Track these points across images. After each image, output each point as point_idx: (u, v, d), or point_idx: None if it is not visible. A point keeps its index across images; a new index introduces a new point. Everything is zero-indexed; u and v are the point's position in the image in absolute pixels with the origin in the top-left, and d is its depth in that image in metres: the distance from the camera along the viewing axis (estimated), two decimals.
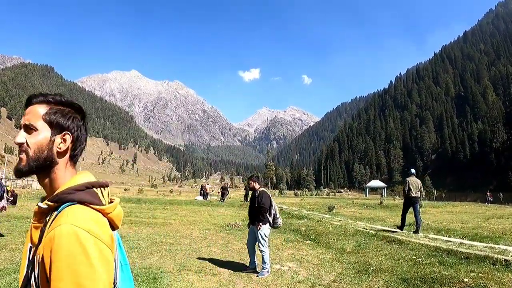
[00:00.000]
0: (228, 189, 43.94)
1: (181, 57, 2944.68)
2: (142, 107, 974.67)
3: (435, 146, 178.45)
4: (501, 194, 57.21)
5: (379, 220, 18.39)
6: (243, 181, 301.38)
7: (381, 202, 37.81)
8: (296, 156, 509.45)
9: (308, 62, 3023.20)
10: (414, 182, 13.23)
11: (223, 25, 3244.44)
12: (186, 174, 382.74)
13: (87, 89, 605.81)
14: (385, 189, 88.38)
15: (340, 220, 17.11)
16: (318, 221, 16.16)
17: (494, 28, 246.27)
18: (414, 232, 12.46)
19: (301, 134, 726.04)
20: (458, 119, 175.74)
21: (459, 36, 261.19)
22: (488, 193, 51.64)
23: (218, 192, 53.48)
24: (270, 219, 7.87)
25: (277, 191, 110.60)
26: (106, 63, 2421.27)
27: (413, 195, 12.91)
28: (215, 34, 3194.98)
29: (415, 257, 7.94)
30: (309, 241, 11.38)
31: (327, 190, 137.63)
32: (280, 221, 8.05)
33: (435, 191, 38.29)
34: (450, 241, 10.01)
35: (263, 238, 7.73)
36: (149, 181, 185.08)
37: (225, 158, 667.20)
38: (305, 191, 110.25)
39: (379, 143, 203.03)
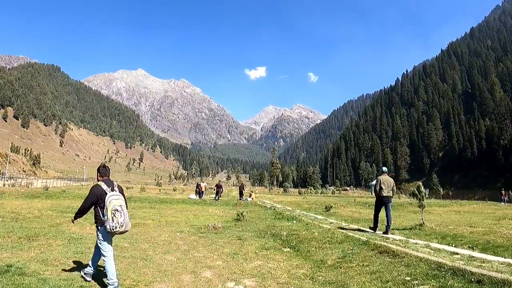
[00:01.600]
0: (223, 187, 42.63)
1: (188, 56, 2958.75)
2: (148, 105, 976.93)
3: (442, 143, 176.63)
4: None
5: (379, 221, 16.55)
6: (249, 179, 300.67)
7: None
8: (302, 154, 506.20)
9: (314, 60, 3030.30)
10: (386, 180, 12.77)
11: (229, 23, 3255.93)
12: (193, 172, 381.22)
13: (93, 88, 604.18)
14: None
15: (331, 223, 15.28)
16: (306, 224, 14.33)
17: (501, 24, 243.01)
18: (384, 233, 12.00)
19: (307, 132, 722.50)
20: (465, 116, 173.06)
21: (465, 32, 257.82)
22: (503, 192, 48.94)
23: (213, 189, 52.02)
24: (108, 221, 6.08)
25: (281, 189, 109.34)
26: (112, 62, 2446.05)
27: (385, 195, 12.58)
28: (221, 33, 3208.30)
29: (409, 279, 5.88)
30: (288, 249, 9.62)
31: (333, 188, 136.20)
32: (116, 225, 6.11)
33: (442, 189, 36.47)
34: (457, 254, 7.97)
35: (100, 243, 6.32)
36: (155, 180, 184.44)
37: (231, 156, 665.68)
38: (310, 189, 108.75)
39: (385, 141, 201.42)
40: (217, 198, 34.66)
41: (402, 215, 23.25)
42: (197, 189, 39.60)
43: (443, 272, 6.00)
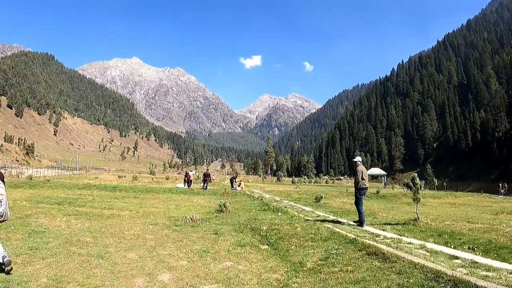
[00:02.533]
0: (211, 175, 41.58)
1: (183, 44, 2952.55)
2: (143, 94, 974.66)
3: (437, 134, 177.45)
4: None
5: (370, 214, 15.32)
6: (244, 167, 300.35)
7: (377, 192, 35.27)
8: (297, 143, 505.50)
9: (310, 49, 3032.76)
10: (365, 170, 12.53)
11: (225, 12, 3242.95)
12: (187, 161, 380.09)
13: (88, 77, 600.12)
14: (385, 177, 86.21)
15: (318, 216, 14.37)
16: (291, 217, 13.29)
17: (498, 16, 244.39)
18: (358, 225, 11.63)
19: (302, 121, 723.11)
20: (460, 107, 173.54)
21: (462, 24, 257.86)
22: (500, 184, 47.71)
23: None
24: None
25: (275, 178, 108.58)
26: (107, 50, 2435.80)
27: (366, 186, 12.38)
28: (217, 21, 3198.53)
29: None
30: (265, 246, 8.53)
31: (326, 177, 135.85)
32: None
33: (436, 180, 35.82)
34: (457, 258, 6.74)
35: None
36: (150, 168, 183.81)
37: (226, 145, 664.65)
38: (304, 178, 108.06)
39: (380, 131, 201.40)
40: (205, 187, 33.62)
41: (395, 207, 22.29)
42: (186, 178, 38.60)
43: (442, 285, 4.93)
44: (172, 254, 7.61)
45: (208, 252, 7.76)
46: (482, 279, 5.19)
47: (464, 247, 8.13)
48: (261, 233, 10.02)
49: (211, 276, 6.17)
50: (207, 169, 43.10)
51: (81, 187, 29.21)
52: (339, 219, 13.31)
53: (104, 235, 9.43)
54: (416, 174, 13.56)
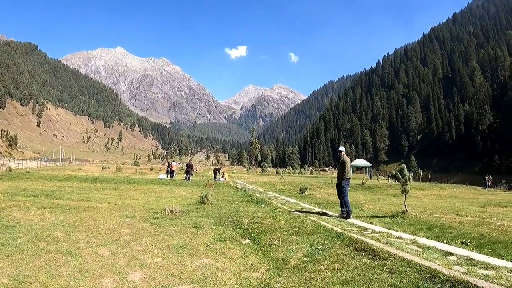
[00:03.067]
0: (194, 166, 40.86)
1: (168, 34, 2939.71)
2: (127, 84, 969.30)
3: (421, 126, 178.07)
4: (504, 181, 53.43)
5: (356, 206, 14.73)
6: (228, 158, 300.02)
7: (362, 183, 35.03)
8: (282, 134, 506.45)
9: (296, 40, 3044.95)
10: (348, 161, 12.14)
11: (210, 2, 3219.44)
12: (172, 151, 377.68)
13: (71, 67, 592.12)
14: (369, 168, 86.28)
15: (303, 208, 13.85)
16: (274, 209, 12.77)
17: (483, 11, 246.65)
18: (345, 218, 11.16)
19: (287, 112, 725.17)
20: (445, 100, 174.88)
21: (448, 17, 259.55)
22: (486, 177, 47.59)
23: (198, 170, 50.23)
24: None
25: (259, 169, 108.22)
26: (91, 40, 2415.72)
27: (351, 176, 12.64)
28: (202, 11, 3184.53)
29: None
30: (247, 241, 8.00)
31: (311, 168, 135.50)
32: None
33: (421, 172, 35.61)
34: (452, 254, 6.25)
35: None
36: (134, 159, 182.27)
37: (211, 136, 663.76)
38: (289, 169, 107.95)
39: (365, 122, 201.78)
40: (187, 178, 32.98)
41: (381, 198, 21.96)
42: (168, 169, 37.91)
43: (439, 285, 4.46)
44: (147, 250, 7.13)
45: (185, 248, 7.26)
46: (482, 279, 4.76)
47: (457, 241, 7.68)
48: (243, 227, 9.53)
49: (186, 275, 5.67)
50: (190, 160, 42.19)
51: (62, 178, 28.39)
52: (325, 211, 12.85)
53: (77, 229, 8.94)
54: (404, 165, 13.13)
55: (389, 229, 9.20)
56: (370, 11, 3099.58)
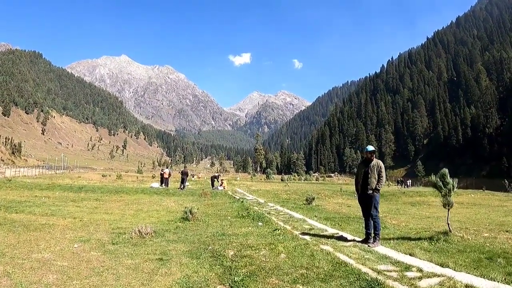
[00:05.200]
0: (190, 173, 38.46)
1: (172, 42, 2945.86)
2: (132, 92, 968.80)
3: (427, 130, 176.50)
4: None
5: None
6: (233, 165, 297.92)
7: None
8: (287, 140, 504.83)
9: (299, 47, 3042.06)
10: None
11: (214, 9, 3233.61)
12: (177, 159, 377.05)
13: (76, 75, 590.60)
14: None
15: (311, 229, 10.82)
16: (274, 230, 10.16)
17: (487, 14, 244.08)
18: (372, 243, 8.45)
19: (292, 119, 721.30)
20: (450, 103, 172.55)
21: (451, 21, 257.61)
22: None
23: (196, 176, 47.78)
24: None
25: (264, 175, 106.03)
26: (96, 48, 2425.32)
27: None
28: (206, 19, 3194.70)
29: None
30: None
31: (317, 174, 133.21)
32: None
33: (434, 177, 33.27)
34: None
35: None
36: (138, 167, 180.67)
37: (216, 143, 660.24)
38: (294, 176, 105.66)
39: (370, 127, 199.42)
40: (182, 187, 30.52)
41: (400, 209, 19.24)
42: (161, 176, 34.85)
43: None
44: None
45: None
46: None
47: None
48: (225, 262, 6.52)
49: None
50: (185, 167, 39.62)
51: (44, 187, 26.16)
52: (341, 233, 10.05)
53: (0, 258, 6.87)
54: (446, 170, 9.86)
55: (442, 265, 6.39)
56: (373, 16, 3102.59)
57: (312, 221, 12.54)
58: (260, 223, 11.57)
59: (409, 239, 9.32)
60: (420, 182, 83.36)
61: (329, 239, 9.03)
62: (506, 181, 44.09)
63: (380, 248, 8.10)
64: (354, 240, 8.99)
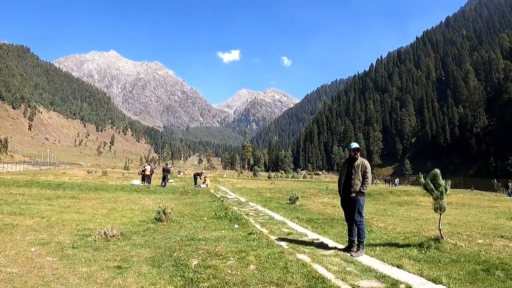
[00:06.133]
0: (177, 170, 37.66)
1: (161, 38, 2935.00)
2: (120, 88, 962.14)
3: (415, 129, 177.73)
4: None
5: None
6: (221, 162, 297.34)
7: None
8: (275, 137, 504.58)
9: (288, 44, 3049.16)
10: None
11: (203, 5, 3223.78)
12: (164, 155, 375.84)
13: (64, 70, 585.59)
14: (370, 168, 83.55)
15: (290, 233, 9.70)
16: (249, 235, 9.09)
17: (476, 14, 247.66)
18: (356, 252, 7.39)
19: (280, 116, 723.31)
20: (438, 103, 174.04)
21: (441, 21, 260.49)
22: (510, 183, 41.86)
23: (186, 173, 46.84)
24: None
25: (251, 173, 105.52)
26: (84, 43, 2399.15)
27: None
28: (195, 15, 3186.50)
29: None
30: None
31: (304, 172, 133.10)
32: None
33: (423, 176, 32.63)
34: None
35: None
36: (126, 163, 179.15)
37: (204, 140, 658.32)
38: (281, 173, 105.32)
39: (358, 125, 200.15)
40: (163, 184, 29.64)
41: (388, 209, 18.26)
42: (143, 174, 33.95)
43: None
44: None
45: None
46: None
47: None
48: (186, 274, 5.62)
49: None
50: (167, 164, 38.61)
51: (22, 184, 25.16)
52: (322, 238, 9.08)
53: None
54: (438, 171, 8.71)
55: (434, 281, 5.50)
56: (363, 15, 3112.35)
57: (293, 224, 11.64)
58: (236, 226, 10.65)
59: (397, 245, 8.43)
60: (408, 180, 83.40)
61: (308, 246, 8.03)
62: (495, 181, 43.87)
63: (364, 258, 7.16)
64: (335, 248, 8.02)
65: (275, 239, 8.73)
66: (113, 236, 8.34)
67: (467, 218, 13.91)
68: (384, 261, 6.90)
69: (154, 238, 8.74)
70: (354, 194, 7.78)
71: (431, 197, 8.55)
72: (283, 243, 8.26)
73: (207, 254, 6.94)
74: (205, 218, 12.27)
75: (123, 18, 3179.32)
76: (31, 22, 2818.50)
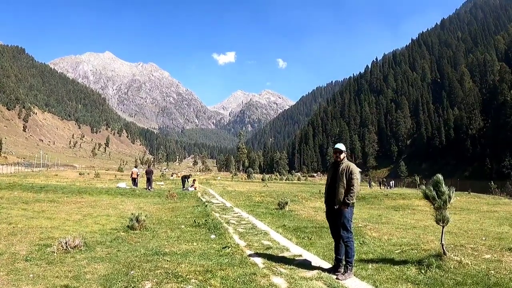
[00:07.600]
0: (171, 172, 36.76)
1: (156, 39, 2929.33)
2: (116, 89, 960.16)
3: (410, 131, 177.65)
4: None
5: (355, 232, 9.37)
6: (216, 164, 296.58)
7: None
8: (270, 139, 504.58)
9: (283, 46, 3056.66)
10: None
11: (198, 7, 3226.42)
12: (159, 157, 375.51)
13: (59, 71, 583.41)
14: (364, 175, 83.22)
15: (269, 246, 8.67)
16: (223, 249, 8.11)
17: (472, 17, 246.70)
18: (343, 275, 6.25)
19: (275, 118, 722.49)
20: (434, 105, 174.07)
21: (436, 23, 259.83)
22: None
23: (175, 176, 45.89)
24: None
25: (246, 174, 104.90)
26: (79, 44, 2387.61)
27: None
28: (191, 17, 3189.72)
29: None
30: None
31: (299, 174, 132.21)
32: None
33: (418, 178, 31.53)
34: None
35: None
36: (120, 165, 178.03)
37: (199, 141, 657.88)
38: (276, 175, 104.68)
39: (353, 127, 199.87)
40: (149, 187, 28.51)
41: (383, 215, 16.97)
42: (132, 176, 33.09)
43: None
44: None
45: None
46: None
47: None
48: None
49: None
50: (149, 166, 37.53)
51: (4, 187, 24.07)
52: (306, 254, 7.96)
53: None
54: (440, 177, 7.36)
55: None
56: (358, 17, 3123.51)
57: (276, 234, 10.51)
58: (213, 236, 9.63)
59: (392, 262, 7.23)
60: (403, 182, 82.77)
61: (287, 266, 6.89)
62: (492, 184, 43.16)
63: (353, 282, 6.06)
64: (319, 268, 6.81)
65: (252, 254, 7.72)
66: (75, 247, 7.49)
67: (468, 226, 12.89)
68: (377, 286, 5.80)
69: (119, 251, 7.80)
70: (337, 206, 6.58)
71: (433, 207, 7.44)
72: (259, 260, 7.20)
73: (165, 275, 5.81)
74: (183, 226, 11.30)
75: (119, 20, 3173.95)
76: (27, 23, 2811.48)
